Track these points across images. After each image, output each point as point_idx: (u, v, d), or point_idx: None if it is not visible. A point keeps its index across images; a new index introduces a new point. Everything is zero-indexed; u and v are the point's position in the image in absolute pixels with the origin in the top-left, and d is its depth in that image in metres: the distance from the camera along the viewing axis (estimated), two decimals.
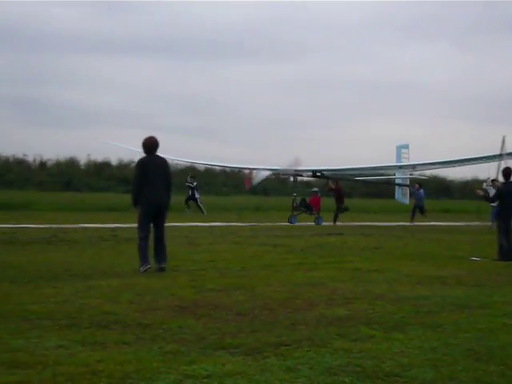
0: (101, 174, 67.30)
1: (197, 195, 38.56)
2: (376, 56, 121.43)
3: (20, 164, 67.11)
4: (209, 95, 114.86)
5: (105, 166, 69.11)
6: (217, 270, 13.03)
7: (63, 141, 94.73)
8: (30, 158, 67.93)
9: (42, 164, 67.92)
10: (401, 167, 35.98)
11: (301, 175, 35.07)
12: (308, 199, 34.53)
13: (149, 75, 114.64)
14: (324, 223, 32.65)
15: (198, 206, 38.55)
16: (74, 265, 13.24)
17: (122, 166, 67.76)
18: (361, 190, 68.46)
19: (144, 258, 12.71)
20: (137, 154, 44.03)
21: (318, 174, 34.74)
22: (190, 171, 44.30)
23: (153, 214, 12.87)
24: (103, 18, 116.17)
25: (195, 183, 38.73)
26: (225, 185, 68.32)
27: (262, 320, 8.20)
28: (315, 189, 35.57)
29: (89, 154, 68.76)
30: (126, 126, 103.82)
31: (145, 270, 12.53)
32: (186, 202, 38.55)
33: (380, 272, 13.15)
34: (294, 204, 33.99)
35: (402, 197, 38.92)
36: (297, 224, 32.03)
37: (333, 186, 34.91)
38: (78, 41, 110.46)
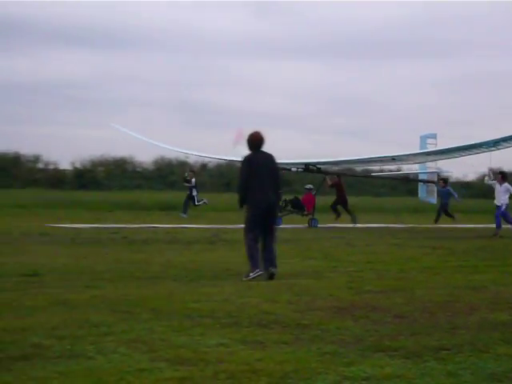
0: None
1: (194, 193, 34.07)
2: None
3: (182, 165, 69.11)
4: (362, 95, 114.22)
5: None
6: (375, 272, 12.94)
7: (223, 143, 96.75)
8: (191, 160, 69.85)
9: (203, 165, 69.69)
10: (382, 160, 30.73)
11: (289, 169, 29.79)
12: (301, 197, 29.95)
13: (302, 76, 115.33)
14: (319, 225, 27.96)
15: (195, 204, 34.20)
16: (234, 264, 13.48)
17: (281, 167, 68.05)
18: None
19: (254, 263, 11.62)
20: (148, 143, 38.58)
21: (312, 167, 29.93)
22: (188, 166, 40.09)
23: (262, 215, 11.84)
24: (255, 20, 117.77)
25: (193, 180, 34.15)
26: (383, 185, 67.64)
27: (422, 323, 8.07)
28: (309, 186, 30.59)
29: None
30: (280, 127, 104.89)
31: (254, 277, 11.53)
32: (193, 201, 34.13)
33: None
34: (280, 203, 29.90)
35: (428, 195, 33.26)
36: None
37: (330, 182, 30.32)
38: (232, 43, 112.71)
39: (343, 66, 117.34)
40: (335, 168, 33.38)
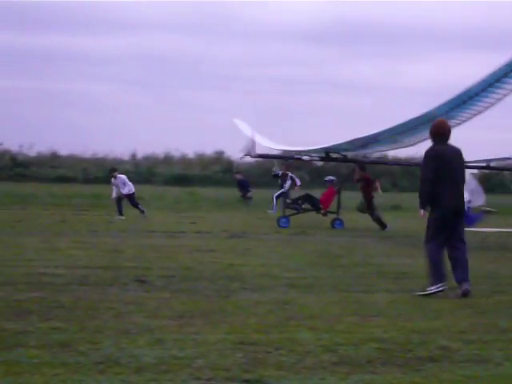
0: None
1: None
2: None
3: None
4: None
5: None
6: None
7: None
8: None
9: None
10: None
11: (300, 158, 23.83)
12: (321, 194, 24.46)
13: None
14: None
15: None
16: None
17: None
18: None
19: (438, 275, 9.79)
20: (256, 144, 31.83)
21: (337, 155, 23.16)
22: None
23: (449, 219, 9.95)
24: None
25: (280, 173, 28.05)
26: None
27: None
28: (330, 177, 24.85)
29: None
30: None
31: (438, 291, 9.72)
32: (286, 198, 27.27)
33: None
34: (288, 200, 24.60)
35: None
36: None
37: (357, 176, 23.36)
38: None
39: None
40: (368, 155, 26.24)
